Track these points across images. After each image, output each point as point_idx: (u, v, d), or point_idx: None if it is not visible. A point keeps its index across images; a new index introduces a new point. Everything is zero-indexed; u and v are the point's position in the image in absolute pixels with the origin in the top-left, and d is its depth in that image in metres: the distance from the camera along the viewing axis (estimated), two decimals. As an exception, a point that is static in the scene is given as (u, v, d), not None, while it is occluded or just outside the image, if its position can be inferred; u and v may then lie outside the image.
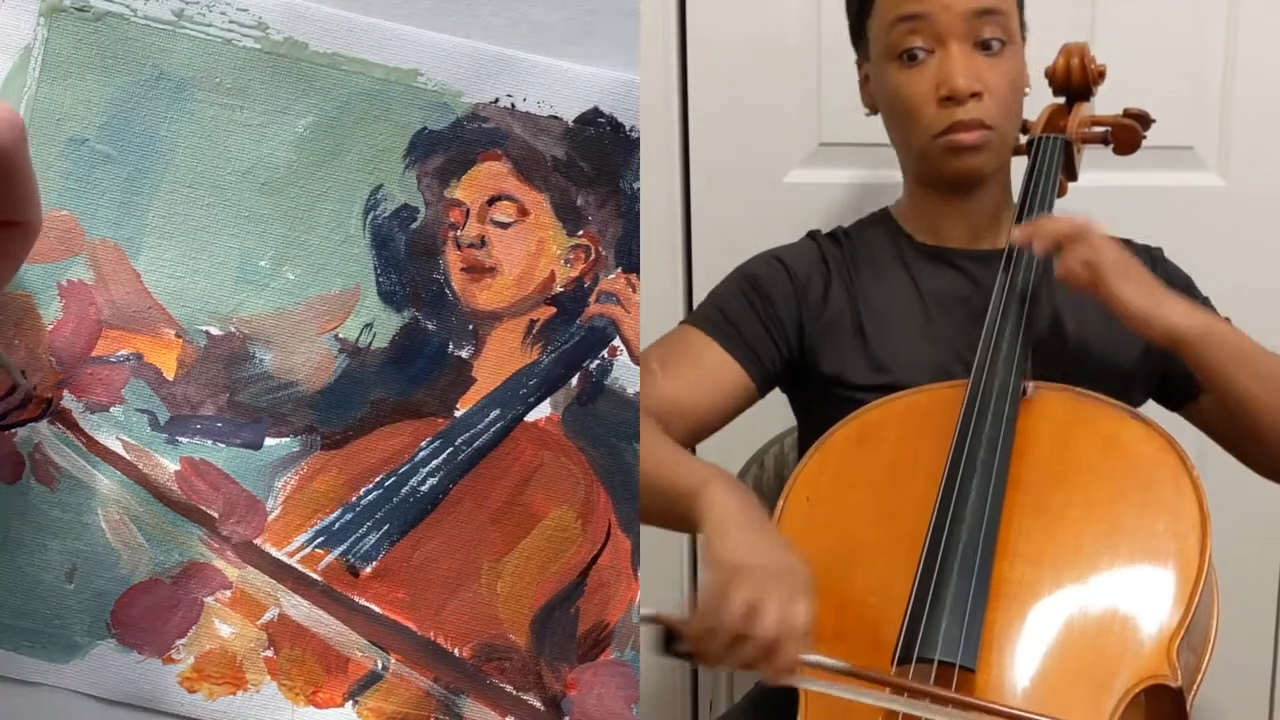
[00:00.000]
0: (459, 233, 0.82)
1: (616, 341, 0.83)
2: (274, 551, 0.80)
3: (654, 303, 1.27)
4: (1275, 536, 1.51)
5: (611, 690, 0.81)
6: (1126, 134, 1.17)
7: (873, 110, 1.19)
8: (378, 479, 0.81)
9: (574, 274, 0.83)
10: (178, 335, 0.80)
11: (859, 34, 1.18)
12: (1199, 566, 0.92)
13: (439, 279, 0.82)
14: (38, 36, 0.80)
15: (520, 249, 0.83)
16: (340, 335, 0.81)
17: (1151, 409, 1.11)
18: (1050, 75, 1.20)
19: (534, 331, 0.82)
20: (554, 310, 0.83)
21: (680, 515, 0.93)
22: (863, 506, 0.99)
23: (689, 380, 1.10)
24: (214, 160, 0.81)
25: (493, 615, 0.81)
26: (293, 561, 0.80)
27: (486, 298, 0.82)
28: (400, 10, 0.82)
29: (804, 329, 1.14)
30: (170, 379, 0.80)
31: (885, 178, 1.32)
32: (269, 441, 0.80)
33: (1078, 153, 1.19)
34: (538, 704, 0.80)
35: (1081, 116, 1.18)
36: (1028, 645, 0.90)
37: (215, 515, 0.79)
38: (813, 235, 1.21)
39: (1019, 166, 1.18)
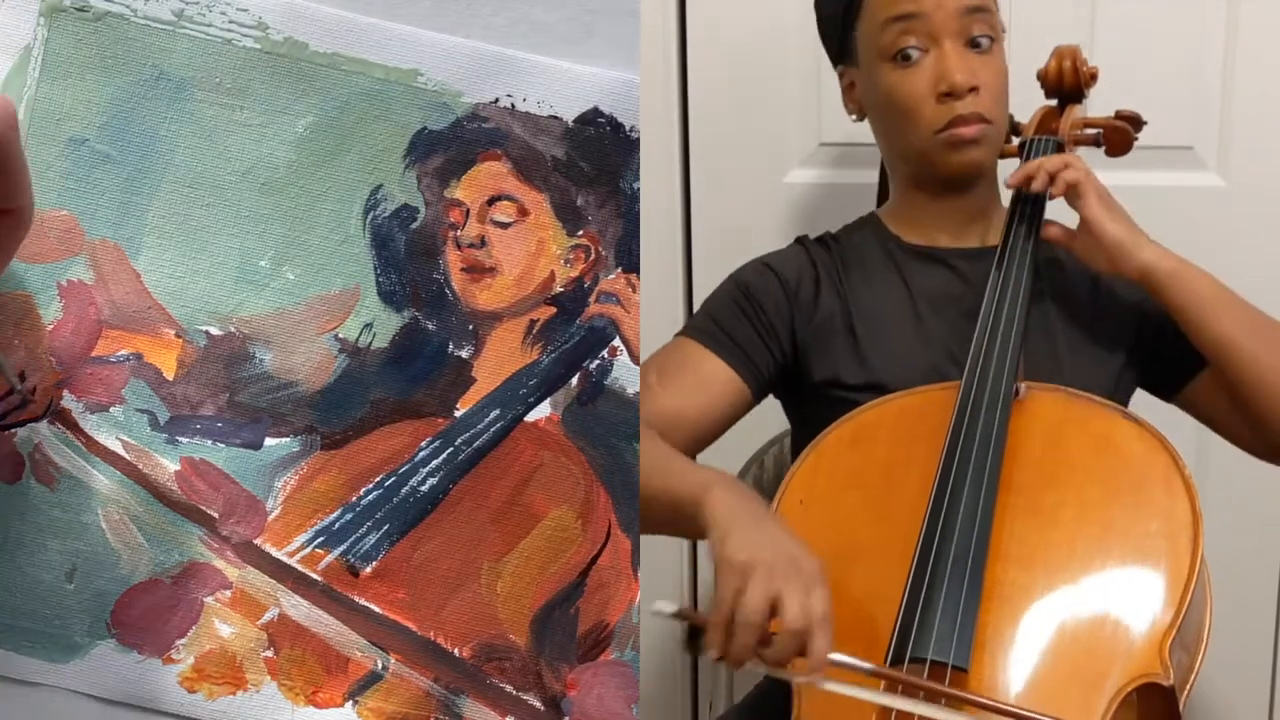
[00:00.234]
0: (459, 233, 0.82)
1: (616, 341, 0.83)
2: (274, 551, 0.80)
3: (654, 303, 1.28)
4: (1275, 535, 1.51)
5: (611, 690, 0.81)
6: (1118, 136, 1.18)
7: (860, 116, 1.19)
8: (378, 479, 0.81)
9: (574, 274, 0.83)
10: (178, 335, 0.80)
11: (843, 41, 1.18)
12: (1190, 566, 0.92)
13: (439, 279, 0.82)
14: (38, 36, 0.80)
15: (520, 249, 0.83)
16: (340, 335, 0.81)
17: (1151, 409, 1.10)
18: (1042, 77, 1.20)
19: (534, 331, 0.82)
20: (554, 310, 0.83)
21: (685, 523, 0.93)
22: (856, 508, 1.00)
23: (687, 390, 1.10)
24: (214, 160, 0.81)
25: (493, 615, 0.81)
26: (293, 561, 0.80)
27: (486, 298, 0.82)
28: (400, 10, 0.82)
29: (796, 333, 1.14)
30: (170, 379, 0.80)
31: (885, 178, 1.32)
32: (269, 441, 0.80)
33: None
34: (538, 704, 0.80)
35: (1073, 119, 1.18)
36: (1020, 645, 0.91)
37: (215, 515, 0.79)
38: (801, 240, 1.21)
39: (1007, 167, 1.18)
